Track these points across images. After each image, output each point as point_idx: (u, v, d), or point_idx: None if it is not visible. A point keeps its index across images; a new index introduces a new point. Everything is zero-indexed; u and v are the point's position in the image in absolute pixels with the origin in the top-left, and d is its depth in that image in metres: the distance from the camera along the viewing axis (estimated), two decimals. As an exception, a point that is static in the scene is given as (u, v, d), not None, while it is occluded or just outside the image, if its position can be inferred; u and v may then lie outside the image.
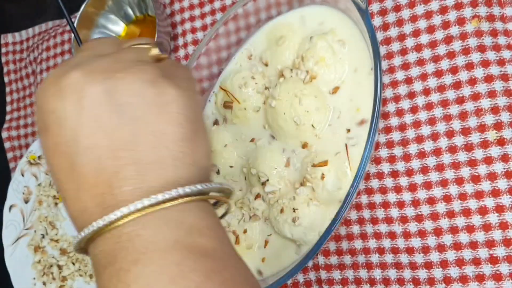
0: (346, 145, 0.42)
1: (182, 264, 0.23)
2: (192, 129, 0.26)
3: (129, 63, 0.26)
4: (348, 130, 0.43)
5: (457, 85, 0.42)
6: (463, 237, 0.41)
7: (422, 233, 0.42)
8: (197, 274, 0.23)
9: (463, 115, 0.42)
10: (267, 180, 0.45)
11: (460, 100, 0.42)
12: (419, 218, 0.42)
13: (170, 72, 0.27)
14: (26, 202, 0.62)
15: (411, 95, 0.44)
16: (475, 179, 0.41)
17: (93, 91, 0.25)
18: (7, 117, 0.69)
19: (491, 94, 0.41)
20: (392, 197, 0.44)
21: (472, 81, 0.42)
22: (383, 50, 0.45)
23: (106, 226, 0.24)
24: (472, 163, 0.41)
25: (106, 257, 0.24)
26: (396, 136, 0.44)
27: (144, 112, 0.25)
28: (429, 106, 0.43)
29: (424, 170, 0.42)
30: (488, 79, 0.41)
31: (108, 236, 0.24)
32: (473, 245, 0.41)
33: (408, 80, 0.44)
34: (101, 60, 0.26)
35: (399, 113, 0.44)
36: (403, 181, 0.43)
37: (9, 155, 0.68)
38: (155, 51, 0.29)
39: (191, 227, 0.25)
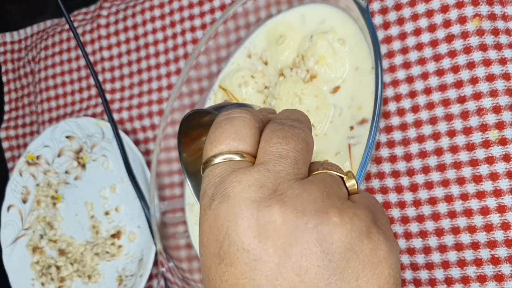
0: (349, 144, 0.42)
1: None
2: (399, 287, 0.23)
3: (339, 202, 0.23)
4: (350, 129, 0.43)
5: (458, 84, 0.42)
6: (465, 238, 0.41)
7: (423, 234, 0.42)
8: None
9: (464, 115, 0.41)
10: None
11: (462, 100, 0.42)
12: (420, 219, 0.42)
13: (375, 215, 0.24)
14: (25, 202, 0.61)
15: (412, 94, 0.43)
16: (477, 179, 0.41)
17: (306, 240, 0.21)
18: (5, 117, 0.69)
19: (493, 93, 0.41)
20: (393, 197, 0.43)
21: (474, 80, 0.41)
22: (384, 49, 0.45)
23: None
24: (473, 163, 0.41)
25: None
26: (397, 135, 0.44)
27: (357, 273, 0.22)
28: (430, 106, 0.43)
29: (425, 170, 0.42)
30: (490, 78, 0.41)
31: None
32: (475, 245, 0.40)
33: (409, 79, 0.44)
34: (309, 192, 0.22)
35: (400, 112, 0.44)
36: (404, 181, 0.43)
37: (7, 155, 0.68)
38: (352, 183, 0.25)
39: None
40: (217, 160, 0.24)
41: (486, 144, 0.41)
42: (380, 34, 0.45)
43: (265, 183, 0.22)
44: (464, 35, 0.42)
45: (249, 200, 0.22)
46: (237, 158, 0.24)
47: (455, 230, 0.41)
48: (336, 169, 0.25)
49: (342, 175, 0.25)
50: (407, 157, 0.43)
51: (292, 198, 0.22)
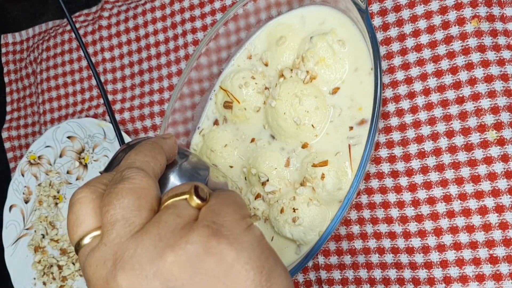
0: (349, 145, 0.42)
1: None
2: (267, 274, 0.25)
3: (173, 237, 0.24)
4: (350, 129, 0.43)
5: (457, 85, 0.42)
6: (463, 237, 0.41)
7: (422, 233, 0.42)
8: None
9: (463, 115, 0.42)
10: (267, 180, 0.45)
11: (460, 100, 0.42)
12: (419, 218, 0.42)
13: (218, 219, 0.25)
14: (26, 202, 0.62)
15: (411, 95, 0.44)
16: (475, 179, 0.41)
17: None
18: (7, 117, 0.69)
19: (491, 94, 0.41)
20: (392, 197, 0.44)
21: (472, 81, 0.42)
22: (383, 50, 0.45)
23: None
24: (472, 163, 0.41)
25: None
26: (396, 136, 0.44)
27: None
28: (429, 106, 0.43)
29: (424, 170, 0.43)
30: (488, 79, 0.41)
31: None
32: (473, 245, 0.41)
33: (408, 80, 0.44)
34: (141, 245, 0.24)
35: (399, 113, 0.44)
36: (403, 181, 0.43)
37: (9, 155, 0.68)
38: (195, 201, 0.26)
39: None
40: (81, 244, 0.26)
41: (485, 144, 0.41)
42: (379, 36, 0.46)
43: (106, 257, 0.25)
44: (463, 36, 0.42)
45: (100, 279, 0.24)
46: (86, 241, 0.26)
47: (454, 230, 0.41)
48: (181, 192, 0.27)
49: (184, 197, 0.26)
50: (406, 158, 0.43)
51: (128, 260, 0.24)
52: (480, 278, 0.40)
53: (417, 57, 0.44)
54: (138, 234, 0.25)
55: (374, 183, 0.44)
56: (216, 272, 0.24)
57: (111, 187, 0.26)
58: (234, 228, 0.25)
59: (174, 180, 0.32)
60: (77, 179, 0.60)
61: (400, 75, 0.44)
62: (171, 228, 0.25)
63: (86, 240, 0.26)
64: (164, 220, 0.25)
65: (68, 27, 0.65)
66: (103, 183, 0.28)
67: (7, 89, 0.71)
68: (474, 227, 0.41)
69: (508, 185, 0.40)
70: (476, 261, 0.41)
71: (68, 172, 0.60)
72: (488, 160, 0.41)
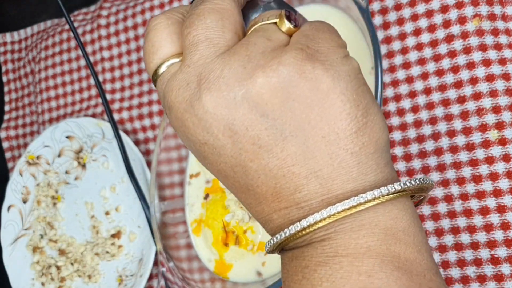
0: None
1: (373, 276, 0.21)
2: (363, 109, 0.23)
3: (263, 58, 0.22)
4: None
5: (458, 85, 0.42)
6: (465, 238, 0.41)
7: (423, 234, 0.42)
8: None
9: (464, 115, 0.41)
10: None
11: (461, 100, 0.42)
12: (420, 218, 0.42)
13: (313, 44, 0.23)
14: (25, 202, 0.61)
15: (412, 94, 0.43)
16: (477, 179, 0.41)
17: (239, 114, 0.22)
18: (6, 117, 0.69)
19: (493, 93, 0.41)
20: (392, 197, 0.43)
21: (473, 81, 0.41)
22: (383, 49, 0.45)
23: (298, 232, 0.22)
24: (473, 163, 0.41)
25: (294, 255, 0.23)
26: (397, 135, 0.44)
27: (307, 117, 0.22)
28: (430, 106, 0.43)
29: (425, 170, 0.42)
30: (490, 78, 0.41)
31: (298, 241, 0.23)
32: (475, 245, 0.40)
33: (409, 79, 0.44)
34: (229, 66, 0.22)
35: (400, 112, 0.44)
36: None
37: (8, 155, 0.68)
38: (286, 25, 0.24)
39: (385, 232, 0.22)
40: (158, 72, 0.25)
41: (486, 144, 0.41)
42: (380, 34, 0.45)
43: (189, 79, 0.23)
44: (464, 35, 0.42)
45: (183, 102, 0.23)
46: (163, 69, 0.25)
47: (455, 230, 0.41)
48: (269, 17, 0.24)
49: (274, 21, 0.24)
50: (407, 157, 0.43)
51: (215, 81, 0.22)
52: (482, 278, 0.40)
53: (418, 56, 0.43)
54: (224, 55, 0.23)
55: (375, 183, 0.44)
56: (309, 100, 0.22)
57: (191, 9, 0.24)
58: (330, 54, 0.23)
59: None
60: (75, 179, 0.60)
61: (401, 74, 0.44)
62: (260, 50, 0.23)
63: (163, 68, 0.24)
64: (253, 41, 0.23)
65: (67, 26, 0.65)
66: (180, 12, 0.26)
67: (6, 89, 0.70)
68: (476, 227, 0.40)
69: (509, 185, 0.40)
70: (478, 262, 0.40)
71: (66, 172, 0.60)
72: (489, 160, 0.40)
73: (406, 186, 0.22)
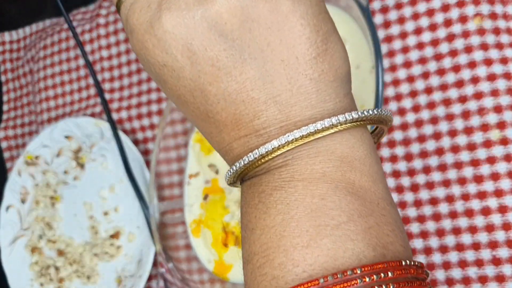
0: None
1: (326, 199, 0.22)
2: (323, 36, 0.23)
3: None
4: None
5: (459, 84, 0.42)
6: (466, 238, 0.41)
7: (424, 234, 0.42)
8: (339, 213, 0.21)
9: (465, 114, 0.41)
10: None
11: (463, 99, 0.41)
12: (421, 219, 0.42)
13: None
14: (23, 202, 0.61)
15: (413, 93, 0.43)
16: (478, 179, 0.40)
17: (198, 33, 0.22)
18: (4, 116, 0.69)
19: (494, 92, 0.40)
20: (394, 197, 0.43)
21: (475, 80, 0.41)
22: (384, 48, 0.45)
23: (257, 161, 0.22)
24: (475, 162, 0.41)
25: (253, 182, 0.23)
26: (397, 135, 0.44)
27: (266, 39, 0.22)
28: (431, 105, 0.42)
29: (426, 170, 0.42)
30: (491, 77, 0.41)
31: (258, 169, 0.23)
32: (476, 246, 0.40)
33: (410, 79, 0.43)
34: None
35: (401, 112, 0.44)
36: (405, 181, 0.43)
37: (6, 154, 0.68)
38: None
39: (341, 159, 0.22)
40: (120, 3, 0.25)
41: (487, 144, 0.40)
42: (381, 33, 0.45)
43: (151, 0, 0.23)
44: (465, 34, 0.42)
45: (144, 23, 0.23)
46: None
47: (456, 231, 0.41)
48: None
49: None
50: (408, 157, 0.43)
51: (175, 1, 0.22)
52: (483, 279, 0.40)
53: (419, 55, 0.43)
54: None
55: (375, 183, 0.44)
56: (269, 21, 0.22)
57: None
58: None
59: None
60: (74, 179, 0.59)
61: (402, 74, 0.44)
62: None
63: None
64: None
65: (66, 26, 0.65)
66: None
67: (4, 88, 0.70)
68: (477, 228, 0.40)
69: (511, 185, 0.39)
70: (479, 263, 0.40)
71: (65, 172, 0.60)
72: (491, 160, 0.40)
73: (363, 115, 0.23)
